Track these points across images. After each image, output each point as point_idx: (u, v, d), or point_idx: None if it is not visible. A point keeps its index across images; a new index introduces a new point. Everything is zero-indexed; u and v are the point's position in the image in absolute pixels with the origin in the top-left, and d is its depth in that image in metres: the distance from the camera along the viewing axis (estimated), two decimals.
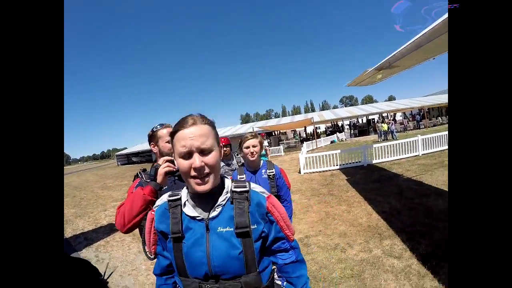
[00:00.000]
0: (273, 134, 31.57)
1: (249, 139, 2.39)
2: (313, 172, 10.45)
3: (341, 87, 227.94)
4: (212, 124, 1.02)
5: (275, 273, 1.15)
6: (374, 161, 10.32)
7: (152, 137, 1.95)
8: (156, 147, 1.96)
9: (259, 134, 7.95)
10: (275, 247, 1.09)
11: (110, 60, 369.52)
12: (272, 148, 23.08)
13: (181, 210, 1.00)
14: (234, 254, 0.93)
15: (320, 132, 40.61)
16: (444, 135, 10.51)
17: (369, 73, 6.27)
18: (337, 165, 10.51)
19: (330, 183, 8.23)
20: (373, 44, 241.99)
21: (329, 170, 10.35)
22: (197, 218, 0.97)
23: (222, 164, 4.05)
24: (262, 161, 2.59)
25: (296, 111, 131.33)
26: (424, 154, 10.26)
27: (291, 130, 32.64)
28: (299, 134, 33.75)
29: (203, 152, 0.93)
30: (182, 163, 0.92)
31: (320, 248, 3.94)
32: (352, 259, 3.43)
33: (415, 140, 10.36)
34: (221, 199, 0.99)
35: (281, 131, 31.99)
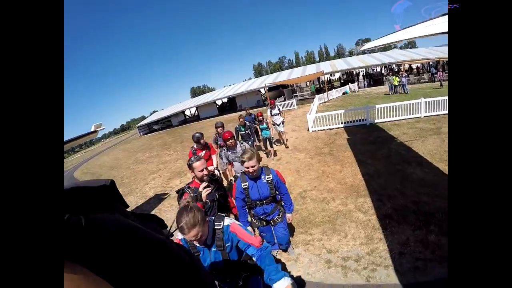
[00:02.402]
0: (288, 86, 31.28)
1: (247, 162, 2.88)
2: (320, 130, 11.51)
3: (356, 30, 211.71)
4: (197, 223, 1.80)
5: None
6: (377, 121, 11.04)
7: (190, 167, 3.09)
8: (193, 173, 3.08)
9: (273, 104, 8.52)
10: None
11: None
12: (285, 102, 23.50)
13: None
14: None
15: (334, 80, 39.99)
16: (447, 98, 10.38)
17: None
18: (342, 123, 11.38)
19: (332, 142, 9.40)
20: None
21: (335, 128, 11.32)
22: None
23: (229, 152, 5.00)
24: (261, 169, 3.07)
25: (309, 57, 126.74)
26: (426, 116, 10.57)
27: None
28: (313, 82, 33.47)
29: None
30: None
31: (312, 200, 5.35)
32: (332, 210, 4.82)
33: (418, 103, 10.66)
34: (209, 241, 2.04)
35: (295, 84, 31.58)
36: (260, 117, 8.30)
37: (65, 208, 0.49)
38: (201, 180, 3.02)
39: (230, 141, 4.81)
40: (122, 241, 0.56)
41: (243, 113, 8.83)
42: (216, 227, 2.06)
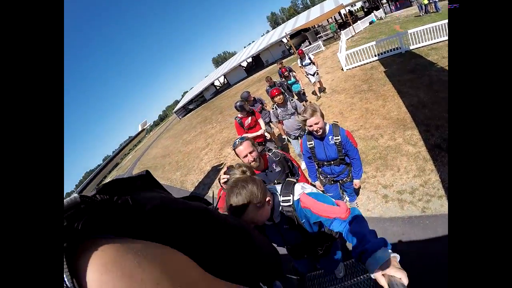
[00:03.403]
0: (310, 29, 29.49)
1: (308, 119, 2.52)
2: (355, 67, 11.16)
3: None
4: (250, 205, 1.37)
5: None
6: (412, 47, 10.39)
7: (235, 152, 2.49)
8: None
9: (302, 53, 8.07)
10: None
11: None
12: (311, 46, 22.47)
13: None
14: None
15: (357, 9, 36.85)
16: None
17: None
18: (376, 55, 10.94)
19: (370, 77, 9.19)
20: None
21: (369, 62, 10.93)
22: None
23: (279, 110, 4.70)
24: (328, 126, 2.71)
25: None
26: None
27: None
28: (335, 19, 31.06)
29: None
30: None
31: (360, 139, 5.55)
32: (381, 146, 5.01)
33: None
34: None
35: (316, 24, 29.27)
36: (286, 73, 7.69)
37: (113, 192, 0.54)
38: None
39: (279, 97, 4.58)
40: (166, 209, 0.63)
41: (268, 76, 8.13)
42: (283, 204, 1.60)
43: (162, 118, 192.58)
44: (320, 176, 3.21)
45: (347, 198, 3.58)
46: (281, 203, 1.60)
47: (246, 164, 1.92)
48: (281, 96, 4.58)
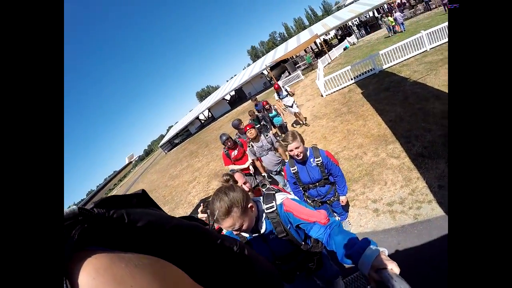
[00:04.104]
0: (288, 59, 30.62)
1: (289, 144, 2.61)
2: (333, 92, 11.56)
3: None
4: (232, 210, 1.43)
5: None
6: (385, 66, 10.93)
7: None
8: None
9: (278, 88, 8.31)
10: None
11: None
12: (291, 76, 23.33)
13: None
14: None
15: (331, 38, 38.90)
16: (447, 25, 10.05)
17: None
18: (352, 78, 11.40)
19: (348, 100, 9.52)
20: None
21: (347, 86, 11.36)
22: None
23: (255, 147, 4.58)
24: (309, 150, 2.84)
25: (299, 24, 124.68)
26: (432, 47, 10.35)
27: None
28: (310, 49, 32.65)
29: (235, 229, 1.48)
30: None
31: (345, 159, 5.65)
32: (366, 163, 5.11)
33: (420, 37, 10.42)
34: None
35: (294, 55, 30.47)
36: (266, 106, 7.61)
37: (110, 207, 0.56)
38: None
39: (250, 131, 4.49)
40: (160, 225, 0.65)
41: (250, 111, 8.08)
42: (267, 210, 1.66)
43: (147, 152, 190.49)
44: (308, 201, 3.27)
45: (338, 218, 3.61)
46: (265, 210, 1.66)
47: (229, 173, 2.01)
48: (252, 131, 4.52)
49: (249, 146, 4.74)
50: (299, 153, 2.64)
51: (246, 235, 1.72)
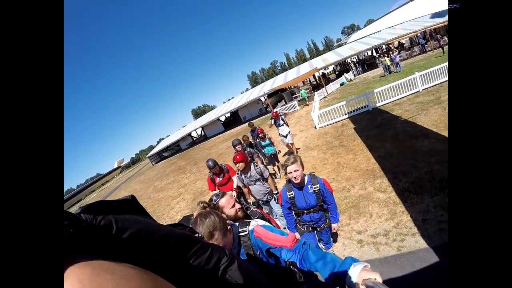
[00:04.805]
0: (286, 89, 31.30)
1: (289, 166, 2.71)
2: (327, 125, 11.81)
3: (339, 18, 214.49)
4: (215, 234, 1.51)
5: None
6: (378, 104, 11.30)
7: (218, 209, 2.30)
8: (224, 214, 2.28)
9: (276, 116, 8.36)
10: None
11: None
12: (287, 105, 23.85)
13: None
14: None
15: (329, 73, 40.14)
16: (441, 67, 10.54)
17: None
18: (346, 113, 11.71)
19: (341, 134, 9.72)
20: None
21: (340, 120, 11.64)
22: None
23: (243, 176, 4.47)
24: (306, 177, 2.92)
25: (300, 56, 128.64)
26: (425, 89, 10.75)
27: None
28: (309, 80, 33.62)
29: None
30: None
31: (333, 191, 5.61)
32: (353, 196, 5.16)
33: (414, 78, 10.84)
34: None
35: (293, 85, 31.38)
36: (261, 134, 7.50)
37: (97, 212, 0.54)
38: (235, 219, 2.33)
39: (238, 165, 4.36)
40: (150, 233, 0.63)
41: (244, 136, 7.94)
42: (241, 234, 1.79)
43: (134, 161, 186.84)
44: (298, 225, 3.33)
45: (323, 247, 3.61)
46: (240, 233, 1.79)
47: (205, 201, 2.14)
48: (240, 164, 4.35)
49: (237, 173, 4.65)
50: (297, 176, 2.74)
51: None
